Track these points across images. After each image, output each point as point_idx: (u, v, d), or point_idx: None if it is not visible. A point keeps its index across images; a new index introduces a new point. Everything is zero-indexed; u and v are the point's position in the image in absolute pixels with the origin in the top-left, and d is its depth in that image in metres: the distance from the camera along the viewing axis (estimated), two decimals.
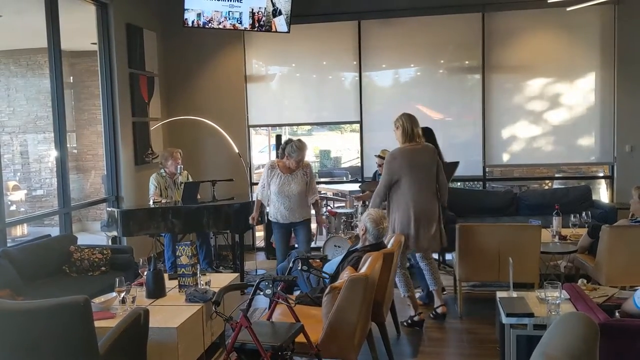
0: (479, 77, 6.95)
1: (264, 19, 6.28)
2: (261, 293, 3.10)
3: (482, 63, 6.91)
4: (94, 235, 8.71)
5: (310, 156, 5.12)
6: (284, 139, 6.13)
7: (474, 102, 7.00)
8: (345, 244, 5.78)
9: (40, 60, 8.86)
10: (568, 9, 6.06)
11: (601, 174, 7.43)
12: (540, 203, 6.53)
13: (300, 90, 7.49)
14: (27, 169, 9.41)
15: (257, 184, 7.43)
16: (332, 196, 8.74)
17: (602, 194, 7.34)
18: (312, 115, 7.58)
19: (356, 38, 7.11)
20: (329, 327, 3.23)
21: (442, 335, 4.44)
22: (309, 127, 11.53)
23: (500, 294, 3.47)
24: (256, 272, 6.26)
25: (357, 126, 7.30)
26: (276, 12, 6.28)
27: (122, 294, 3.52)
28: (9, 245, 4.87)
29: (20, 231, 8.35)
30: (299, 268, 3.84)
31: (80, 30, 6.69)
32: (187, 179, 6.12)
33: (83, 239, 5.38)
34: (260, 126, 8.24)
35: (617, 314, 2.96)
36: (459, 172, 5.90)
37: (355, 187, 7.07)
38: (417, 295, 4.80)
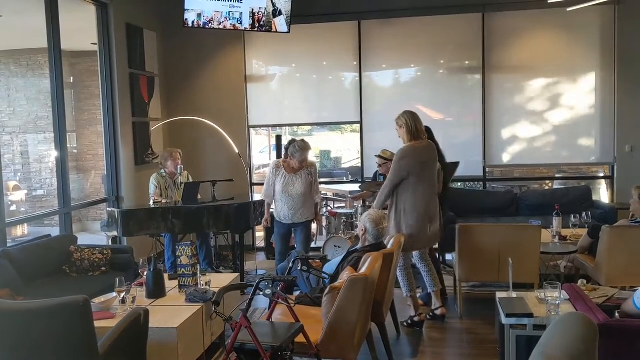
0: (479, 77, 6.95)
1: (264, 19, 6.28)
2: (261, 293, 3.11)
3: (482, 63, 6.90)
4: (94, 235, 8.72)
5: (310, 156, 5.13)
6: (284, 139, 6.13)
7: (474, 102, 7.00)
8: (345, 244, 5.78)
9: (41, 60, 8.86)
10: (568, 9, 6.05)
11: (601, 174, 7.43)
12: (541, 203, 6.53)
13: (301, 91, 7.48)
14: (27, 169, 9.41)
15: (257, 184, 7.46)
16: (332, 196, 8.74)
17: (602, 194, 7.34)
18: (312, 115, 7.58)
19: (356, 38, 7.11)
20: (328, 327, 3.23)
21: (442, 335, 4.44)
22: (309, 127, 11.52)
23: (500, 294, 3.47)
24: (256, 272, 6.26)
25: (357, 126, 7.29)
26: (276, 12, 6.29)
27: (122, 294, 3.53)
28: (9, 245, 4.87)
29: (21, 231, 8.35)
30: (299, 268, 3.84)
31: (81, 30, 6.69)
32: (187, 179, 6.12)
33: (83, 239, 5.39)
34: (260, 126, 8.24)
35: (616, 314, 2.96)
36: (459, 172, 5.88)
37: (356, 187, 7.06)
38: (418, 295, 4.79)
